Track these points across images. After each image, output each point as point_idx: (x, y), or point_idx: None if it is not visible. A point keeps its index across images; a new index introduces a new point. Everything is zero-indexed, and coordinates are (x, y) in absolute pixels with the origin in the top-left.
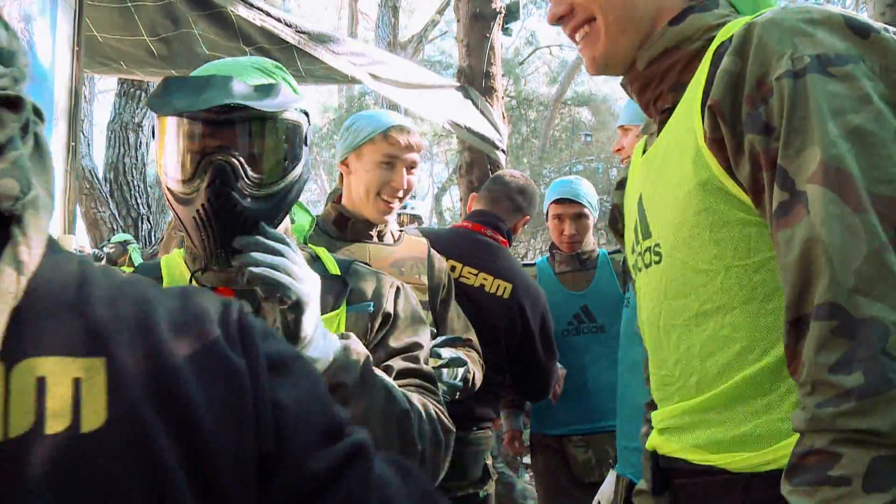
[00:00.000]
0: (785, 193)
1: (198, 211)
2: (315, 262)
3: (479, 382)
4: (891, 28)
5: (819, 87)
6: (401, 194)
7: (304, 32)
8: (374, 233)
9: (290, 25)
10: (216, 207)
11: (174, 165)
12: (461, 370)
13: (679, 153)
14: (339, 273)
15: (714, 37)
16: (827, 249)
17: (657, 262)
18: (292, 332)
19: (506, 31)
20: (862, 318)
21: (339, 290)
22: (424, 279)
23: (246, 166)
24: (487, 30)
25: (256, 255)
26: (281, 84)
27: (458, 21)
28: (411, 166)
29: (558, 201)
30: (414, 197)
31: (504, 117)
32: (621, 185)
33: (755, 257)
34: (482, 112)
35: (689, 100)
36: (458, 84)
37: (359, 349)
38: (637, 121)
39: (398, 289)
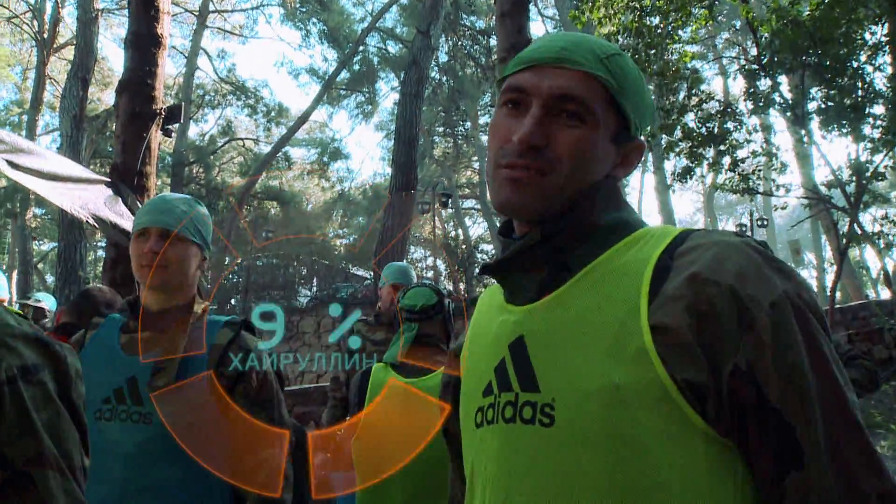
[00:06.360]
0: None
1: None
2: None
3: None
4: None
5: (24, 391)
6: None
7: None
8: None
9: None
10: None
11: None
12: None
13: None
14: None
15: None
16: None
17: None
18: None
19: (165, 132)
20: None
21: None
22: None
23: None
24: (145, 129)
25: None
26: None
27: (117, 117)
28: None
29: None
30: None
31: None
32: None
33: None
34: (131, 209)
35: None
36: (110, 181)
37: None
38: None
39: None
